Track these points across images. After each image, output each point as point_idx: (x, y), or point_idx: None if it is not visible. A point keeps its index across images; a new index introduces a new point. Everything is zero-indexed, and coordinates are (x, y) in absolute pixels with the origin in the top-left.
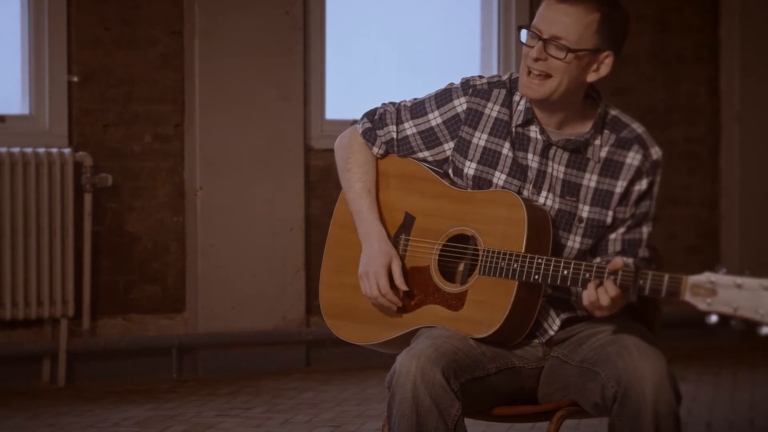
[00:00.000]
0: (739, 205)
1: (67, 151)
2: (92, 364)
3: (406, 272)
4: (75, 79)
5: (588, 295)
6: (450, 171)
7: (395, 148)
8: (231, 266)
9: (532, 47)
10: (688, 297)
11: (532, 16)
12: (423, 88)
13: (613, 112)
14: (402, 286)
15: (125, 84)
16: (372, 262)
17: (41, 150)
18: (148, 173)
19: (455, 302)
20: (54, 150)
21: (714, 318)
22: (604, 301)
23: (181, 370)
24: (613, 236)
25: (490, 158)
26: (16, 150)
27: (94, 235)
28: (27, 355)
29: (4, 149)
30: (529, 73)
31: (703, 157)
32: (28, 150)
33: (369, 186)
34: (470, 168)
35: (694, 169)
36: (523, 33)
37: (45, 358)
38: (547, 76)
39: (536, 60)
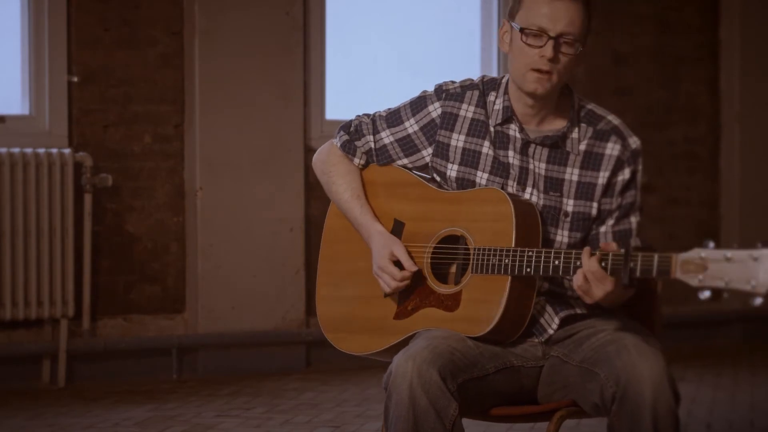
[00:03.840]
0: (739, 205)
1: (67, 151)
2: (92, 364)
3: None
4: (75, 79)
5: (576, 279)
6: (435, 175)
7: (374, 158)
8: (231, 266)
9: (541, 46)
10: (679, 274)
11: None
12: (423, 89)
13: (588, 105)
14: (410, 267)
15: (125, 84)
16: (378, 259)
17: (41, 150)
18: (148, 173)
19: (451, 303)
20: (54, 150)
21: (706, 293)
22: (589, 276)
23: (181, 370)
24: (603, 229)
25: (470, 158)
26: (16, 150)
27: (94, 235)
28: (27, 355)
29: (4, 149)
30: (538, 70)
31: (703, 157)
32: (28, 150)
33: (357, 192)
34: (452, 170)
35: (694, 169)
36: (516, 35)
37: (45, 358)
38: (555, 72)
39: (550, 59)
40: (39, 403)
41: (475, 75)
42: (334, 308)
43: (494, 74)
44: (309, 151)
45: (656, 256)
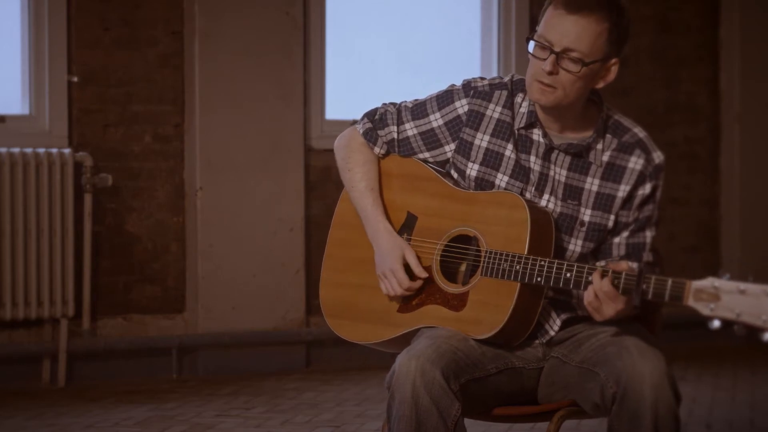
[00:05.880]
0: (739, 205)
1: (67, 151)
2: (92, 364)
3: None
4: (75, 79)
5: (586, 296)
6: (453, 171)
7: (396, 149)
8: (231, 266)
9: (544, 59)
10: (691, 302)
11: (532, 17)
12: (423, 88)
13: (615, 116)
14: (421, 273)
15: (125, 84)
16: (386, 259)
17: (41, 150)
18: (148, 173)
19: (456, 303)
20: (54, 150)
21: (717, 323)
22: (600, 295)
23: (181, 370)
24: (617, 240)
25: (492, 159)
26: (16, 150)
27: (94, 235)
28: (27, 355)
29: (4, 149)
30: (540, 82)
31: (703, 157)
32: (28, 150)
33: (372, 184)
34: (473, 169)
35: (694, 169)
36: (531, 43)
37: (45, 358)
38: (559, 86)
39: (549, 73)
40: (39, 403)
41: (475, 75)
42: (337, 293)
43: (494, 74)
44: (309, 151)
45: (670, 281)
